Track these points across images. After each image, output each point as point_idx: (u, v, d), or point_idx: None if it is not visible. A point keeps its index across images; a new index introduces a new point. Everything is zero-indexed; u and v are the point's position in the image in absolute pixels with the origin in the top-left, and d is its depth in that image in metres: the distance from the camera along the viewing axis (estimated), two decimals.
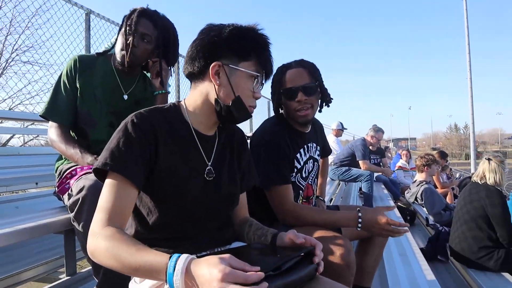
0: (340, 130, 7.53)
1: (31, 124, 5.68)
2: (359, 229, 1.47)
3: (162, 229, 1.07)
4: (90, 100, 1.71)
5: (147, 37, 1.72)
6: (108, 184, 0.98)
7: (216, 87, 1.07)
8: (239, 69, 1.07)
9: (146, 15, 1.72)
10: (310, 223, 1.58)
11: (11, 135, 7.66)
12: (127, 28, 1.68)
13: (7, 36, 6.90)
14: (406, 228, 1.47)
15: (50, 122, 1.73)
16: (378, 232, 1.48)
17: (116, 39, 1.77)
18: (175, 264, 0.77)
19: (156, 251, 0.84)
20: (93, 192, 1.39)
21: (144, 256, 0.83)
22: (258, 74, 1.09)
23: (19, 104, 7.09)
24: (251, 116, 1.15)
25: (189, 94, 1.15)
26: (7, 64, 7.54)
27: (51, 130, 1.72)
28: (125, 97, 1.78)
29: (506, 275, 2.96)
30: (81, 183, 1.45)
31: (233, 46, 1.07)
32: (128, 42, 1.68)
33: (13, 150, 3.76)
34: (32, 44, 5.99)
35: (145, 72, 1.91)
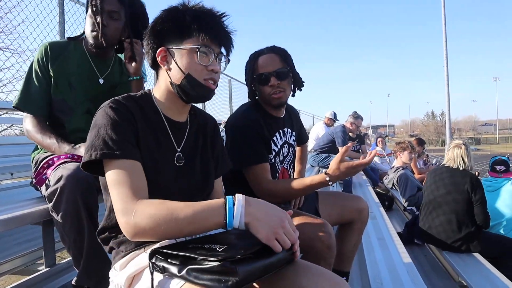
0: (331, 120, 7.50)
1: (5, 113, 5.49)
2: (330, 183, 1.52)
3: None
4: (65, 87, 1.67)
5: (115, 14, 1.67)
6: (114, 172, 0.97)
7: (168, 71, 1.11)
8: (182, 47, 1.08)
9: None
10: (287, 195, 1.65)
11: None
12: (93, 8, 1.63)
13: None
14: (372, 153, 1.51)
15: (24, 113, 1.68)
16: (350, 174, 1.52)
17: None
18: (233, 199, 0.88)
19: None
20: (72, 182, 1.37)
21: (196, 204, 0.90)
22: (199, 46, 1.07)
23: None
24: (212, 90, 1.13)
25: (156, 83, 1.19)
26: None
27: (26, 120, 1.67)
28: (101, 81, 1.75)
29: (477, 255, 3.10)
30: (59, 173, 1.42)
31: (171, 28, 1.09)
32: (97, 21, 1.63)
33: None
34: (1, 29, 5.72)
35: (119, 55, 1.87)
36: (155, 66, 1.15)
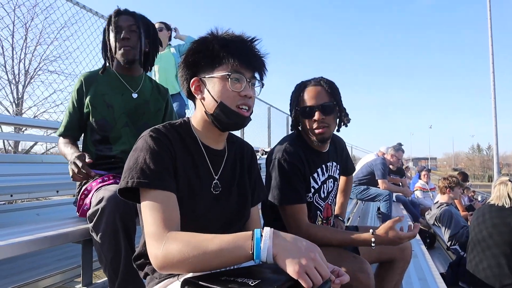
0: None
1: (54, 132, 5.85)
2: (373, 245, 1.46)
3: None
4: (102, 107, 1.81)
5: (133, 26, 1.85)
6: (149, 201, 0.98)
7: (202, 101, 1.12)
8: (213, 76, 1.08)
9: (122, 12, 1.87)
10: (324, 244, 1.56)
11: (34, 142, 7.87)
12: (115, 29, 1.82)
13: (36, 46, 7.16)
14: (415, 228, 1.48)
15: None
16: (394, 243, 1.48)
17: (110, 47, 1.87)
18: (261, 231, 0.85)
19: None
20: (112, 203, 1.41)
21: (224, 237, 0.87)
22: (229, 73, 1.07)
23: (44, 112, 7.30)
24: (246, 117, 1.11)
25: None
26: (35, 73, 7.82)
27: (59, 141, 1.89)
28: (134, 95, 1.88)
29: None
30: (100, 194, 1.48)
31: (201, 58, 1.10)
32: (121, 37, 1.81)
33: (37, 158, 3.86)
34: (59, 55, 6.18)
35: (148, 75, 2.04)
36: (191, 96, 1.16)
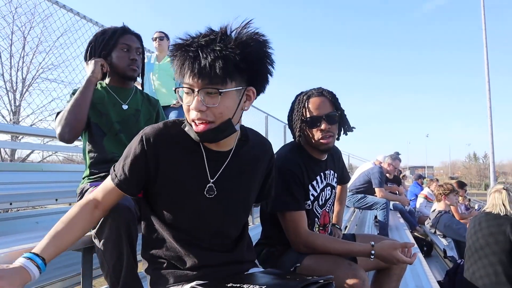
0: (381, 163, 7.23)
1: (51, 140, 5.85)
2: (372, 257, 1.48)
3: (173, 248, 1.12)
4: (96, 114, 1.86)
5: (140, 50, 1.95)
6: (108, 179, 1.15)
7: None
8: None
9: (129, 31, 1.93)
10: (323, 252, 1.58)
11: (31, 150, 7.88)
12: (123, 46, 1.88)
13: (34, 54, 7.22)
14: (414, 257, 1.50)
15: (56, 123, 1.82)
16: (391, 262, 1.50)
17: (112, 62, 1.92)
18: None
19: None
20: (115, 209, 1.42)
21: None
22: (176, 86, 1.03)
23: (41, 120, 7.32)
24: (201, 133, 1.00)
25: None
26: (33, 81, 7.86)
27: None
28: (125, 107, 1.94)
29: None
30: None
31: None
32: (131, 58, 1.88)
33: (36, 166, 3.86)
34: (59, 63, 6.21)
35: (139, 88, 2.11)
36: None
